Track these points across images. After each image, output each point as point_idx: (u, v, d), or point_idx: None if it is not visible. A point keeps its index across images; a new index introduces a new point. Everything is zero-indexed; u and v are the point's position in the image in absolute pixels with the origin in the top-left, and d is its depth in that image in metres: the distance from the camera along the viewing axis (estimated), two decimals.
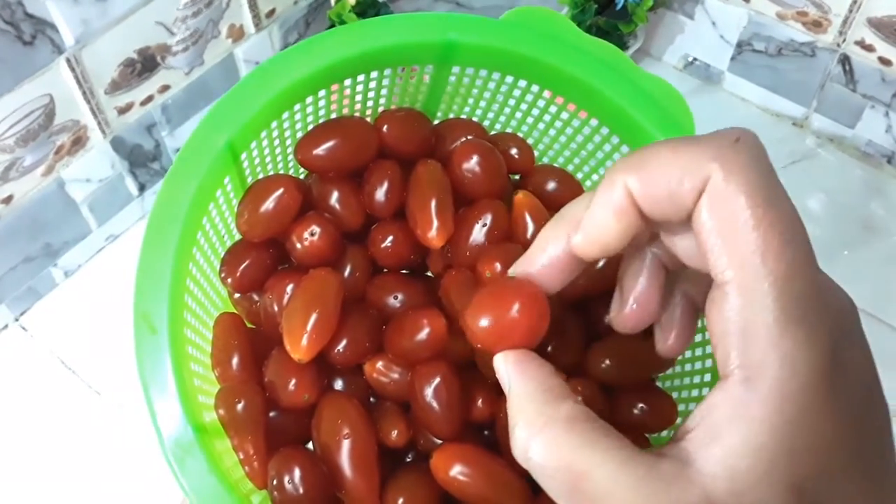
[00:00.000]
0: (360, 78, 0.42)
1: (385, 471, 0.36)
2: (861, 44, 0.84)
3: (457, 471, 0.33)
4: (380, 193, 0.40)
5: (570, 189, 0.43)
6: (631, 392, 0.37)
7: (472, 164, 0.39)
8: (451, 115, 0.46)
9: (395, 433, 0.36)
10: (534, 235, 0.35)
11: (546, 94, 0.44)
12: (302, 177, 0.45)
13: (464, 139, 0.42)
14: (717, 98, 0.98)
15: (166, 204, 0.36)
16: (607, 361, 0.37)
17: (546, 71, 0.42)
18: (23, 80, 0.68)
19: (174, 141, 0.86)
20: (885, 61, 0.84)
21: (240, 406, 0.35)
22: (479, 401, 0.37)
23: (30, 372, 0.78)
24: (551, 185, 0.43)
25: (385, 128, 0.41)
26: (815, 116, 0.93)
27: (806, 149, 0.93)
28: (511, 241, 0.39)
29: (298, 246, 0.38)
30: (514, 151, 0.44)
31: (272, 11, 0.88)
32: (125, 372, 0.81)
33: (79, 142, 0.76)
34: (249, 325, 0.41)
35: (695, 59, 0.99)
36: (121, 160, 0.81)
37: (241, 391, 0.36)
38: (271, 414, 0.37)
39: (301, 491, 0.33)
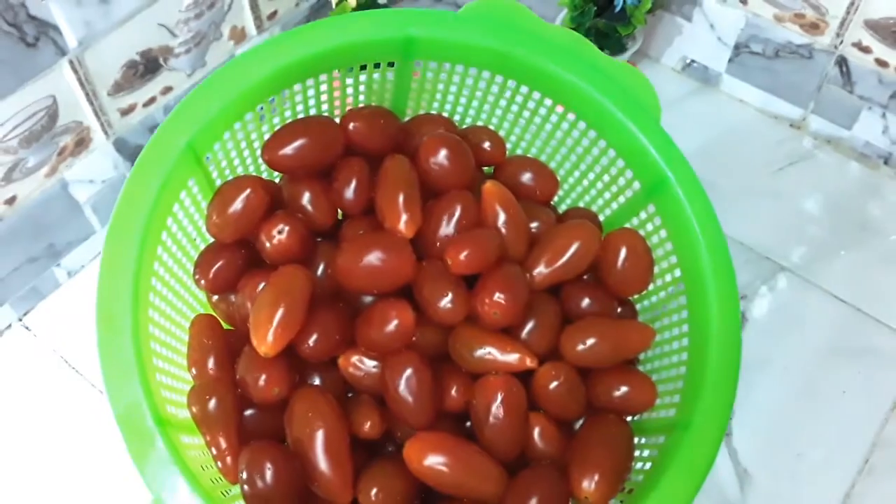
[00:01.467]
0: (323, 77, 0.42)
1: (362, 463, 0.36)
2: (858, 45, 0.85)
3: (430, 460, 0.33)
4: (349, 191, 0.40)
5: (544, 178, 0.43)
6: (610, 374, 0.37)
7: (440, 157, 0.40)
8: (421, 112, 0.46)
9: (367, 425, 0.36)
10: (505, 224, 0.36)
11: (511, 83, 0.44)
12: (277, 178, 0.45)
13: (430, 133, 0.43)
14: (715, 100, 0.99)
15: (127, 207, 0.37)
16: (583, 344, 0.36)
17: (508, 61, 0.42)
18: (26, 81, 0.68)
19: None
20: (882, 63, 0.84)
21: (211, 403, 0.36)
22: (454, 389, 0.37)
23: (33, 371, 0.78)
24: (525, 177, 0.44)
25: (351, 126, 0.41)
26: (813, 118, 0.94)
27: (803, 150, 0.94)
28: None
29: (268, 245, 0.38)
30: (486, 144, 0.44)
31: (274, 13, 0.88)
32: None
33: (82, 143, 0.77)
34: (228, 328, 0.41)
35: (693, 61, 0.99)
36: (124, 161, 0.82)
37: (212, 388, 0.36)
38: (247, 412, 0.37)
39: (271, 484, 0.33)
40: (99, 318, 0.34)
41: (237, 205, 0.38)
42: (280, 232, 0.37)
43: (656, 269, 0.39)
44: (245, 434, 0.36)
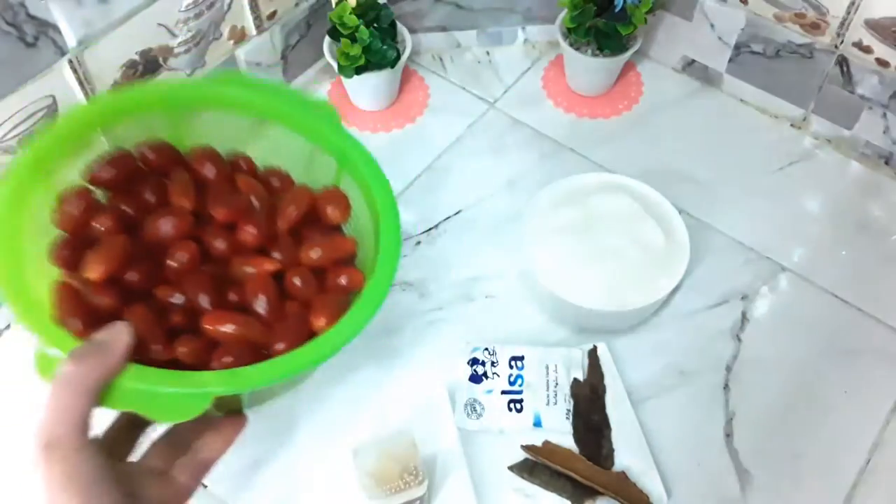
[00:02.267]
0: (120, 127, 0.60)
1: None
2: (859, 45, 0.85)
3: (222, 326, 0.54)
4: (149, 194, 0.59)
5: (280, 174, 0.64)
6: (333, 270, 0.59)
7: (206, 168, 0.61)
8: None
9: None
10: (255, 195, 0.61)
11: (248, 121, 0.64)
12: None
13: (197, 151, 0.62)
14: (716, 99, 0.99)
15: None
16: (313, 253, 0.59)
17: (246, 107, 0.63)
18: (25, 81, 0.68)
19: None
20: (882, 63, 0.84)
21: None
22: (231, 292, 0.57)
23: (33, 372, 0.78)
24: (270, 174, 0.64)
25: (143, 153, 0.61)
26: (813, 118, 0.94)
27: (804, 150, 0.94)
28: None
29: (102, 229, 0.57)
30: (241, 162, 0.64)
31: (273, 13, 0.88)
32: None
33: None
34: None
35: (693, 60, 0.99)
36: None
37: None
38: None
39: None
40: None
41: (75, 207, 0.57)
42: (105, 222, 0.57)
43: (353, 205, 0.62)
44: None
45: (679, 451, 0.72)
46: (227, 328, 0.54)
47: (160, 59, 0.78)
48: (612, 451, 0.72)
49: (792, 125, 0.96)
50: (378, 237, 0.58)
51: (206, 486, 0.71)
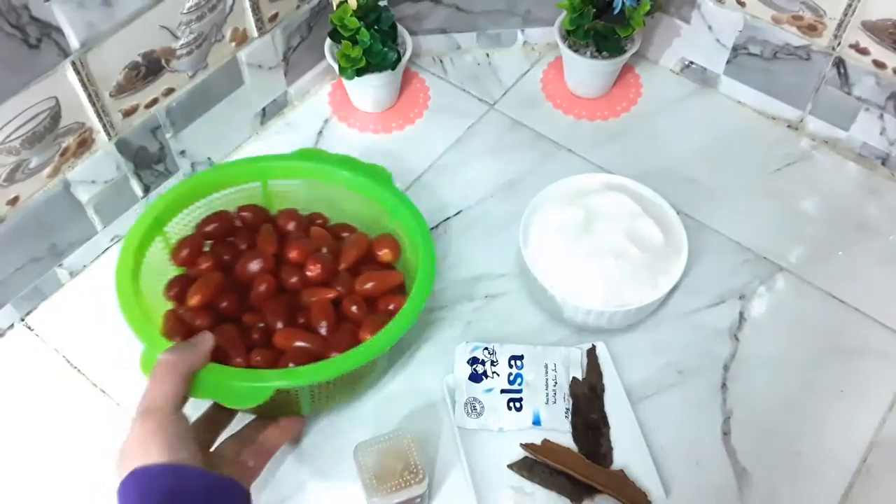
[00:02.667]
0: (221, 192, 0.79)
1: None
2: (856, 47, 0.85)
3: (294, 342, 0.69)
4: (242, 243, 0.78)
5: (348, 226, 0.82)
6: (384, 297, 0.74)
7: (290, 225, 0.79)
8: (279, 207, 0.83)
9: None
10: (323, 239, 0.78)
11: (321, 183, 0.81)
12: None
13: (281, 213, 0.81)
14: (713, 101, 0.99)
15: (126, 245, 0.72)
16: (368, 284, 0.74)
17: (317, 174, 0.80)
18: (29, 82, 0.69)
19: (178, 143, 0.87)
20: (879, 64, 0.85)
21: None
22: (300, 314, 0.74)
23: (36, 371, 0.78)
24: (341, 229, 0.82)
25: (241, 213, 0.80)
26: (810, 119, 0.94)
27: (801, 151, 0.94)
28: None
29: (203, 266, 0.75)
30: (318, 220, 0.82)
31: (275, 16, 0.89)
32: (130, 371, 0.81)
33: (84, 144, 0.77)
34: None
35: (691, 62, 1.00)
36: (126, 162, 0.82)
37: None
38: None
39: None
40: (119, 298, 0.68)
41: (184, 251, 0.75)
42: (206, 263, 0.75)
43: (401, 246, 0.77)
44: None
45: (677, 449, 0.72)
46: (294, 342, 0.69)
47: (163, 61, 0.79)
48: (610, 449, 0.72)
49: (789, 126, 0.96)
50: (417, 268, 0.71)
51: None
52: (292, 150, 0.81)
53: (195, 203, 0.77)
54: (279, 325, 0.71)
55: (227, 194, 0.79)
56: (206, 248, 0.77)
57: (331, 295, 0.72)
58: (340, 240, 0.78)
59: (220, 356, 0.67)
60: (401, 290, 0.75)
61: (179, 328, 0.69)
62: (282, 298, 0.73)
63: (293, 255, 0.74)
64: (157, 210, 0.74)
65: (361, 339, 0.68)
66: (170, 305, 0.73)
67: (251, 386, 0.63)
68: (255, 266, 0.73)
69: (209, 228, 0.77)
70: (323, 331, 0.70)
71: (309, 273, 0.73)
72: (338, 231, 0.80)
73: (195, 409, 0.64)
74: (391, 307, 0.72)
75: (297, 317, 0.72)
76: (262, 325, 0.71)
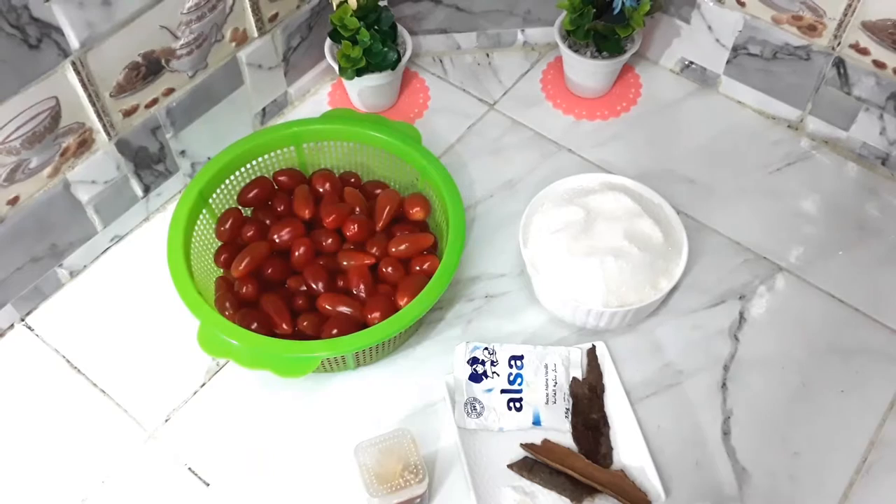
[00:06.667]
0: (259, 159, 0.84)
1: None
2: (855, 47, 0.85)
3: (336, 304, 0.76)
4: (281, 206, 0.84)
5: (380, 183, 0.87)
6: (417, 258, 0.79)
7: (326, 185, 0.84)
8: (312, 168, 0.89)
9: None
10: (356, 201, 0.83)
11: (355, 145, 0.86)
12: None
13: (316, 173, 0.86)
14: (713, 101, 0.99)
15: (174, 223, 0.77)
16: (401, 247, 0.79)
17: (354, 135, 0.85)
18: (29, 82, 0.69)
19: (178, 143, 0.87)
20: (879, 64, 0.85)
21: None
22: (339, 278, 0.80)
23: (36, 371, 0.78)
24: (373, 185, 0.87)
25: (278, 178, 0.85)
26: (810, 119, 0.94)
27: (801, 151, 0.94)
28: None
29: (248, 235, 0.82)
30: (352, 179, 0.87)
31: (275, 16, 0.89)
32: (130, 371, 0.81)
33: (84, 144, 0.77)
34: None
35: (691, 62, 1.00)
36: (126, 162, 0.82)
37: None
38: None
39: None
40: (173, 276, 0.73)
41: (227, 223, 0.81)
42: (249, 231, 0.82)
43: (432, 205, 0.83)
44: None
45: (677, 449, 0.72)
46: (337, 307, 0.75)
47: (162, 61, 0.79)
48: (610, 449, 0.72)
49: (789, 126, 0.96)
50: (448, 230, 0.75)
51: (208, 485, 0.72)
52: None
53: (235, 173, 0.82)
54: (321, 287, 0.77)
55: (265, 160, 0.84)
56: (247, 213, 0.83)
57: (368, 260, 0.78)
58: (373, 198, 0.83)
59: (268, 325, 0.73)
60: (433, 249, 0.81)
61: (229, 296, 0.76)
62: (320, 262, 0.79)
63: (329, 220, 0.80)
64: (201, 183, 0.78)
65: (398, 303, 0.74)
66: (219, 273, 0.80)
67: (300, 357, 0.69)
68: (289, 233, 0.79)
69: (250, 195, 0.82)
70: (361, 294, 0.76)
71: (348, 234, 0.79)
72: (371, 189, 0.85)
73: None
74: (425, 266, 0.77)
75: (336, 279, 0.79)
76: (303, 288, 0.78)
